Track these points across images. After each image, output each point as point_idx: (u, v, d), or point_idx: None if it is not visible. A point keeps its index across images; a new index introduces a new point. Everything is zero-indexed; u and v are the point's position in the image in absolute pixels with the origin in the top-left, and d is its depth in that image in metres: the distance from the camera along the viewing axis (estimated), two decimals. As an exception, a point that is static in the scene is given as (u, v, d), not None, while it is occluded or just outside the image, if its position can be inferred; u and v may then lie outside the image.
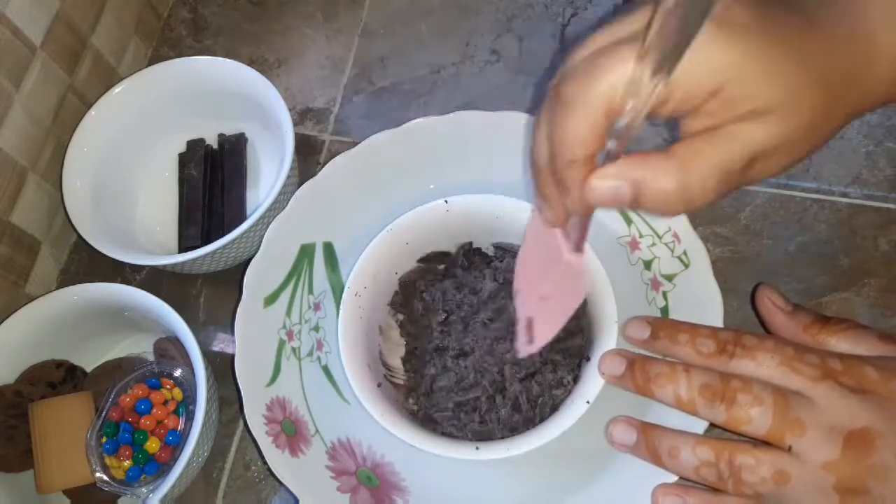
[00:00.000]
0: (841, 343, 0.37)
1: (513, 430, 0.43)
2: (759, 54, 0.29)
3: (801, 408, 0.33)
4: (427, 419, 0.44)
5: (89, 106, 0.56)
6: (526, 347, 0.42)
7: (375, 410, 0.41)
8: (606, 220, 0.48)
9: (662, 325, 0.38)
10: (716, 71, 0.28)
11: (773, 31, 0.29)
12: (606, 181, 0.30)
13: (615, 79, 0.28)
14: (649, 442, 0.37)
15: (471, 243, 0.48)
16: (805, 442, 0.32)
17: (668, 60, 0.26)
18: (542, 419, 0.42)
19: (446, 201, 0.46)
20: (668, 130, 0.57)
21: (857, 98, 0.32)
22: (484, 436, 0.43)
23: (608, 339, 0.41)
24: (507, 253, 0.47)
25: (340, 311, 0.43)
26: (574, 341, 0.43)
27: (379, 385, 0.43)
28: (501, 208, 0.46)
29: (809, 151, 0.32)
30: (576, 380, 0.42)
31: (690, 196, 0.30)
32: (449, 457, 0.39)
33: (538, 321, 0.41)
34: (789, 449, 0.33)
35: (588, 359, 0.42)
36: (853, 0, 0.32)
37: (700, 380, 0.34)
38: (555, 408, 0.42)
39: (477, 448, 0.39)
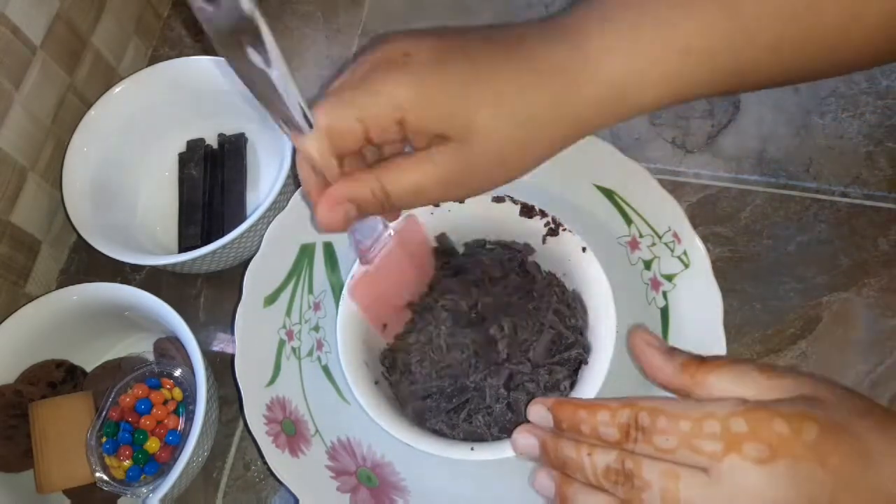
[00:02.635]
0: (721, 381, 0.32)
1: (504, 430, 0.42)
2: (434, 90, 0.33)
3: (694, 489, 0.29)
4: (418, 416, 0.44)
5: (89, 106, 0.56)
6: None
7: (371, 407, 0.41)
8: (606, 220, 0.48)
9: (561, 411, 0.34)
10: (395, 106, 0.32)
11: (455, 67, 0.33)
12: (331, 212, 0.34)
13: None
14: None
15: (483, 241, 0.48)
16: None
17: (297, 126, 0.32)
18: None
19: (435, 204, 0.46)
20: (671, 130, 0.57)
21: (572, 121, 0.35)
22: (476, 436, 0.43)
23: (606, 347, 0.40)
24: (509, 251, 0.47)
25: (340, 308, 0.43)
26: (572, 352, 0.43)
27: (376, 383, 0.43)
28: (492, 209, 0.46)
29: (507, 175, 0.35)
30: (572, 385, 0.42)
31: (387, 206, 0.35)
32: (443, 456, 0.39)
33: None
34: None
35: (586, 363, 0.42)
36: (581, 28, 0.34)
37: (602, 463, 0.32)
38: None
39: (472, 448, 0.39)
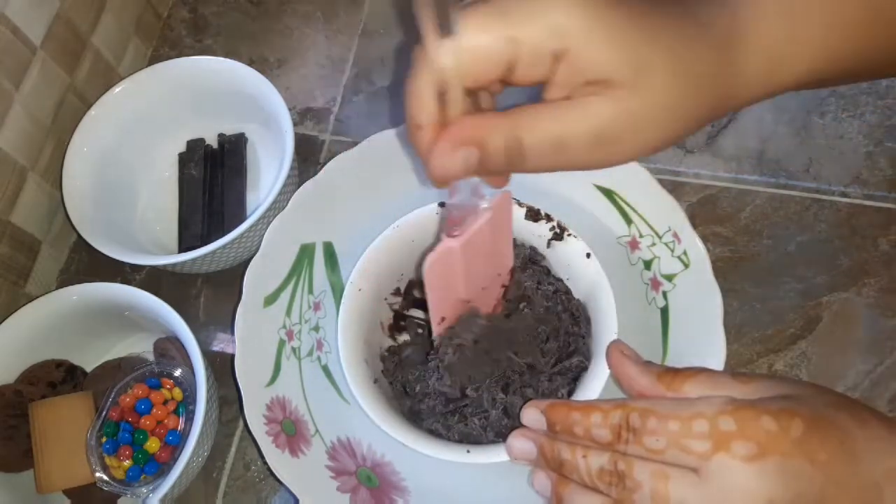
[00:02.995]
0: (697, 389, 0.32)
1: (499, 434, 0.42)
2: (607, 24, 0.28)
3: (685, 489, 0.29)
4: (414, 415, 0.44)
5: (89, 106, 0.56)
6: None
7: (368, 406, 0.41)
8: (606, 220, 0.48)
9: (555, 413, 0.34)
10: (559, 33, 0.27)
11: (627, 6, 0.28)
12: (447, 156, 0.29)
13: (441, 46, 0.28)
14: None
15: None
16: None
17: (444, 24, 0.26)
18: None
19: (441, 203, 0.46)
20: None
21: (724, 90, 0.31)
22: (471, 438, 0.42)
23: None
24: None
25: (342, 306, 0.43)
26: (573, 360, 0.43)
27: (375, 381, 0.43)
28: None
29: (666, 137, 0.30)
30: (570, 393, 0.42)
31: (517, 159, 0.29)
32: (439, 458, 0.39)
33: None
34: None
35: (586, 371, 0.42)
36: (747, 12, 0.31)
37: (596, 464, 0.32)
38: None
39: (468, 451, 0.39)
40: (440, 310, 0.41)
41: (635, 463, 0.31)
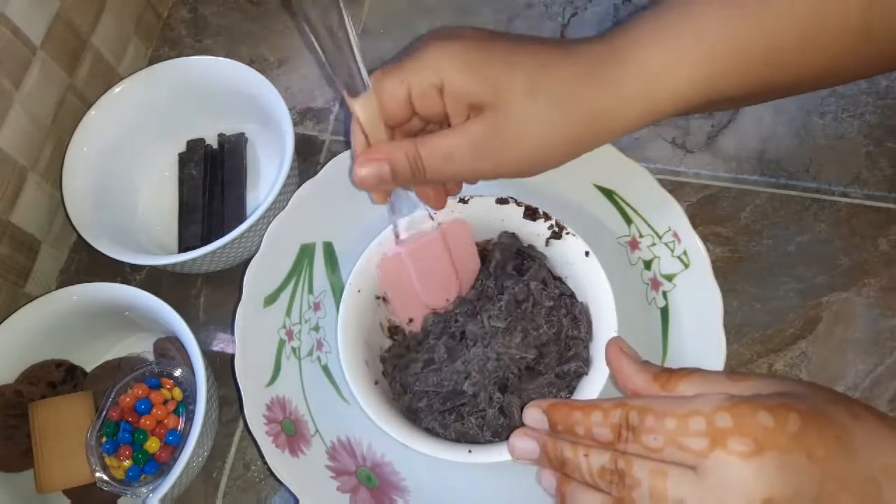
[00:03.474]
0: (691, 388, 0.33)
1: (496, 434, 0.42)
2: (471, 58, 0.35)
3: (683, 487, 0.29)
4: (412, 413, 0.44)
5: (89, 106, 0.56)
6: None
7: (369, 407, 0.41)
8: (606, 221, 0.48)
9: (556, 413, 0.35)
10: (435, 70, 0.35)
11: (498, 45, 0.36)
12: (368, 166, 0.37)
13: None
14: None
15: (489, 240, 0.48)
16: None
17: (351, 84, 0.35)
18: None
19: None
20: (671, 130, 0.57)
21: (594, 108, 0.36)
22: (468, 437, 0.42)
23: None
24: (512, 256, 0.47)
25: (341, 307, 0.43)
26: (571, 364, 0.43)
27: (376, 383, 0.43)
28: (496, 210, 0.46)
29: (539, 151, 0.36)
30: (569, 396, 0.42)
31: (418, 171, 0.37)
32: (441, 458, 0.39)
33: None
34: None
35: (585, 374, 0.42)
36: (608, 36, 0.37)
37: (597, 464, 0.32)
38: None
39: (469, 451, 0.39)
40: (404, 310, 0.46)
41: (634, 461, 0.31)
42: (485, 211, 0.45)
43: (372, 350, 0.45)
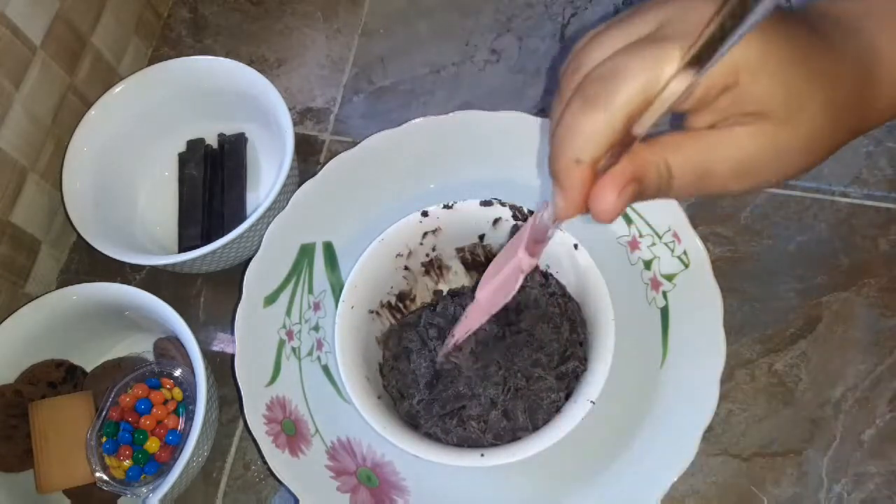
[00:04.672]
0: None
1: (498, 437, 0.42)
2: (778, 60, 0.29)
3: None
4: (410, 418, 0.44)
5: (89, 106, 0.56)
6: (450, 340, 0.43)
7: (378, 424, 0.41)
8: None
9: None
10: (734, 67, 0.28)
11: (789, 39, 0.29)
12: (619, 195, 0.30)
13: (641, 84, 0.28)
14: None
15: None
16: None
17: (704, 59, 0.26)
18: (535, 427, 0.42)
19: (424, 213, 0.46)
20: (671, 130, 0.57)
21: (860, 118, 0.32)
22: (470, 441, 0.42)
23: (604, 358, 0.40)
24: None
25: (336, 325, 0.43)
26: (569, 364, 0.43)
27: (379, 397, 0.43)
28: (481, 213, 0.46)
29: (804, 165, 0.31)
30: (568, 396, 0.42)
31: (663, 186, 0.30)
32: (455, 465, 0.39)
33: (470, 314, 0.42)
34: None
35: (582, 372, 0.42)
36: (862, 24, 0.32)
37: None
38: (546, 418, 0.42)
39: (482, 455, 0.39)
40: (466, 329, 0.43)
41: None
42: (470, 214, 0.45)
43: (371, 365, 0.45)
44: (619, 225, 0.48)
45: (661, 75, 0.28)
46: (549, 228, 0.35)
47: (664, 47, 0.28)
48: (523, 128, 0.49)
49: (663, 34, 0.29)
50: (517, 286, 0.38)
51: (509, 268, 0.38)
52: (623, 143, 0.29)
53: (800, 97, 0.29)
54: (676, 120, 0.32)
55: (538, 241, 0.36)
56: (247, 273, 0.47)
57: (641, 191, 0.30)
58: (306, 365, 0.47)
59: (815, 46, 0.30)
